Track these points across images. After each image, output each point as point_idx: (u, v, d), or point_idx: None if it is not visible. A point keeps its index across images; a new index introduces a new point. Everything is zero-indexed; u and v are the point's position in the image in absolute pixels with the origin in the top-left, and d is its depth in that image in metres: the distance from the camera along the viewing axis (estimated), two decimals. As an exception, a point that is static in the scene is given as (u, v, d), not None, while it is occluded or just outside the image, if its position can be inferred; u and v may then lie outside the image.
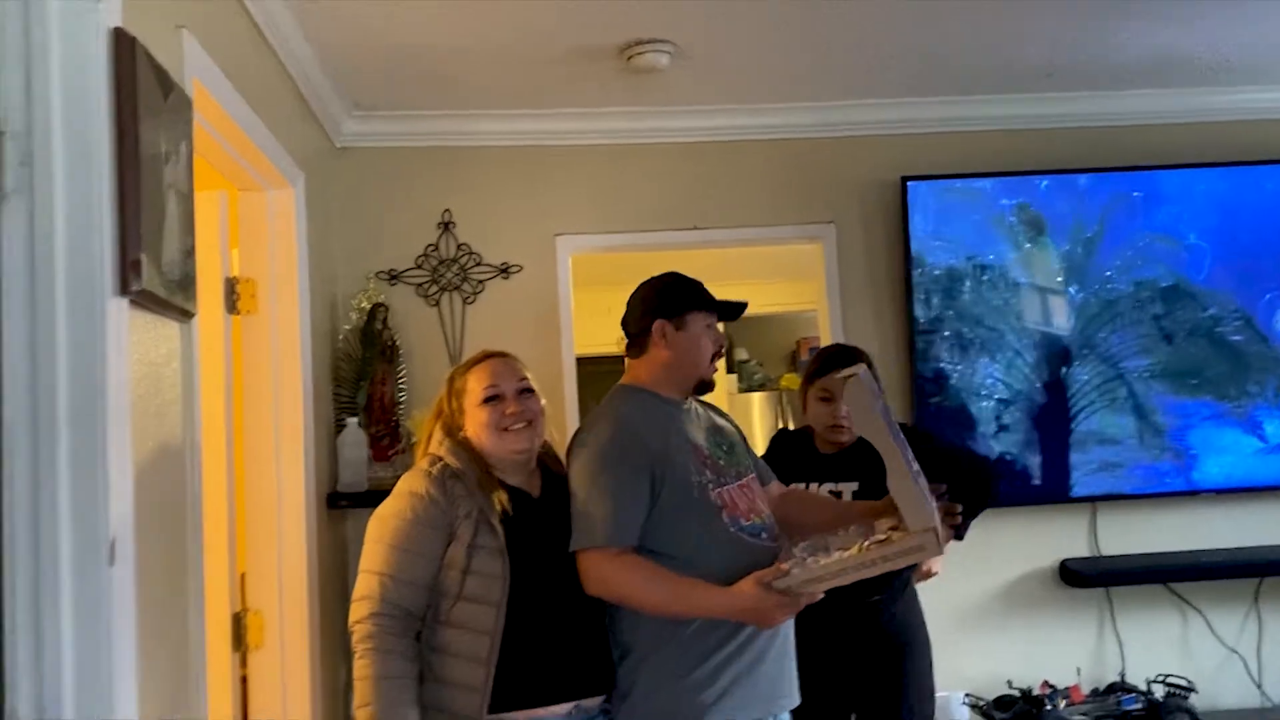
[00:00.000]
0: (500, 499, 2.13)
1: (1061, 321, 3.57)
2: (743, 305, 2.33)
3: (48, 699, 1.42)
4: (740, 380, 6.88)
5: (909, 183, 3.56)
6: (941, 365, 3.54)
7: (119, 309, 1.54)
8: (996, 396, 3.54)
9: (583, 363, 3.65)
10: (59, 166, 1.47)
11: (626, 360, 2.35)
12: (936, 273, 3.55)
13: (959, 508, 2.08)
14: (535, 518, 2.16)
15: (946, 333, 3.55)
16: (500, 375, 2.22)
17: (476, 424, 2.19)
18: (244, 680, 2.78)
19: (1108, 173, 3.63)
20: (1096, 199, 3.60)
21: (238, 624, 2.69)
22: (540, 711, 2.08)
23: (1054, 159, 3.66)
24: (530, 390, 2.24)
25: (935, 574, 2.74)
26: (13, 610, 1.41)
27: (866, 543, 1.99)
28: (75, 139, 1.48)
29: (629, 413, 2.24)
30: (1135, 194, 3.61)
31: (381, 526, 2.11)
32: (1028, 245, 3.57)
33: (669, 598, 2.10)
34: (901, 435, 2.07)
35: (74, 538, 1.43)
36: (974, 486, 2.57)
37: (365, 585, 2.08)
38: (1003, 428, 3.54)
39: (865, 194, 3.66)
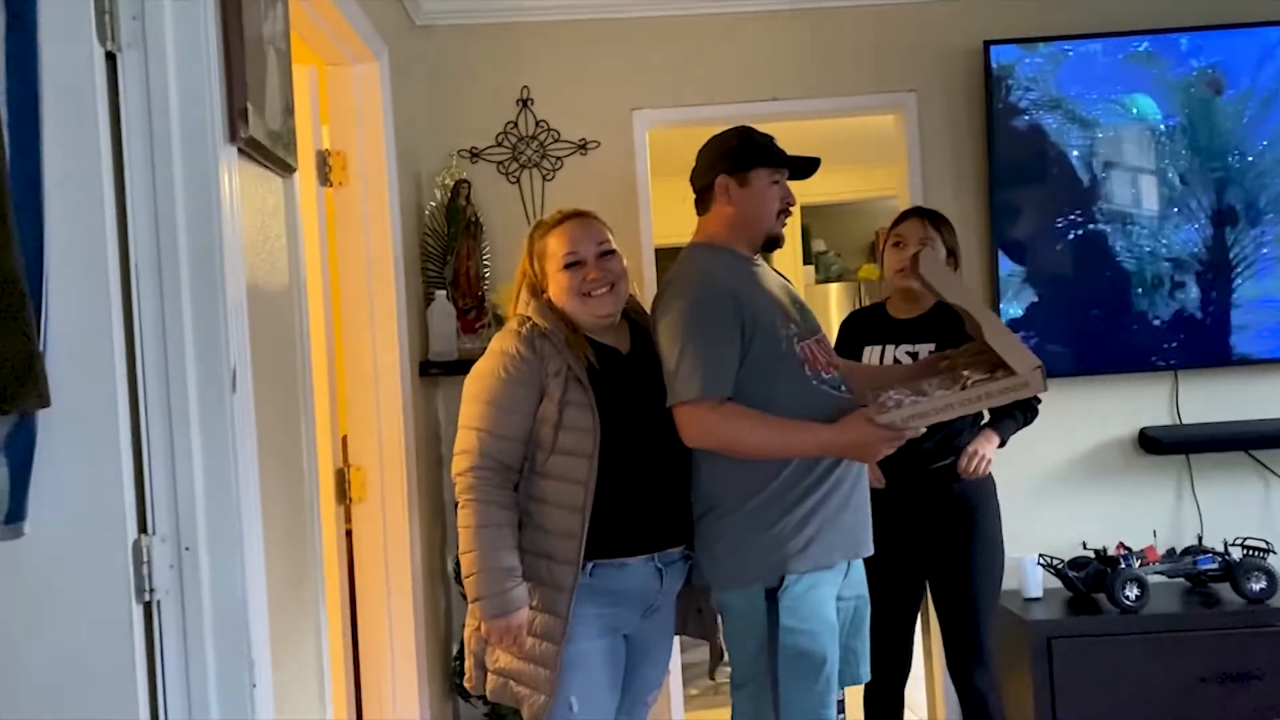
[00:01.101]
0: (588, 355, 2.19)
1: (1225, 183, 3.47)
2: (815, 161, 2.30)
3: (183, 516, 1.55)
4: (818, 271, 6.83)
5: (992, 47, 3.47)
6: (1101, 228, 3.49)
7: (229, 155, 1.63)
8: (1159, 256, 3.48)
9: (661, 255, 3.58)
10: (168, 19, 1.54)
11: (698, 218, 2.36)
12: (1101, 135, 3.48)
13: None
14: (624, 373, 2.21)
15: (1104, 194, 3.49)
16: (578, 240, 2.22)
17: (559, 288, 2.22)
18: (349, 535, 2.97)
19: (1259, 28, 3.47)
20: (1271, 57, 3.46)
21: (341, 479, 2.86)
22: (624, 560, 2.18)
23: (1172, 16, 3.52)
24: (611, 251, 2.25)
25: (988, 458, 2.79)
26: (148, 435, 1.54)
27: (970, 381, 2.05)
28: (181, -8, 1.56)
29: (711, 268, 2.25)
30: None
31: (477, 384, 2.20)
32: (1193, 106, 3.47)
33: (776, 437, 2.14)
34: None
35: (198, 367, 1.55)
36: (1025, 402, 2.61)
37: (464, 440, 2.17)
38: (1175, 286, 3.49)
39: (950, 61, 3.58)
